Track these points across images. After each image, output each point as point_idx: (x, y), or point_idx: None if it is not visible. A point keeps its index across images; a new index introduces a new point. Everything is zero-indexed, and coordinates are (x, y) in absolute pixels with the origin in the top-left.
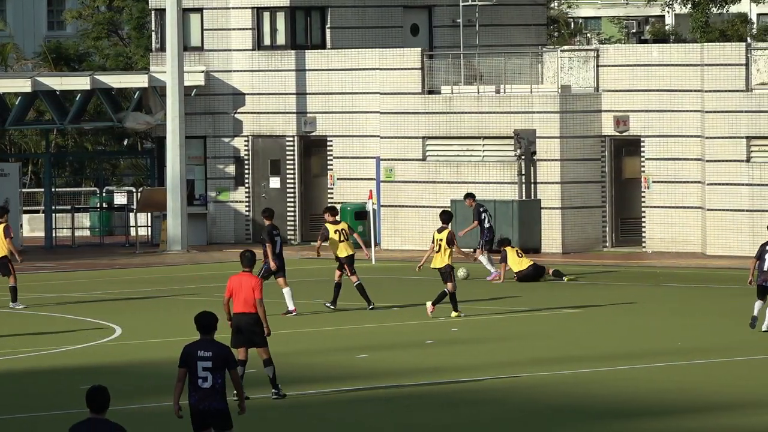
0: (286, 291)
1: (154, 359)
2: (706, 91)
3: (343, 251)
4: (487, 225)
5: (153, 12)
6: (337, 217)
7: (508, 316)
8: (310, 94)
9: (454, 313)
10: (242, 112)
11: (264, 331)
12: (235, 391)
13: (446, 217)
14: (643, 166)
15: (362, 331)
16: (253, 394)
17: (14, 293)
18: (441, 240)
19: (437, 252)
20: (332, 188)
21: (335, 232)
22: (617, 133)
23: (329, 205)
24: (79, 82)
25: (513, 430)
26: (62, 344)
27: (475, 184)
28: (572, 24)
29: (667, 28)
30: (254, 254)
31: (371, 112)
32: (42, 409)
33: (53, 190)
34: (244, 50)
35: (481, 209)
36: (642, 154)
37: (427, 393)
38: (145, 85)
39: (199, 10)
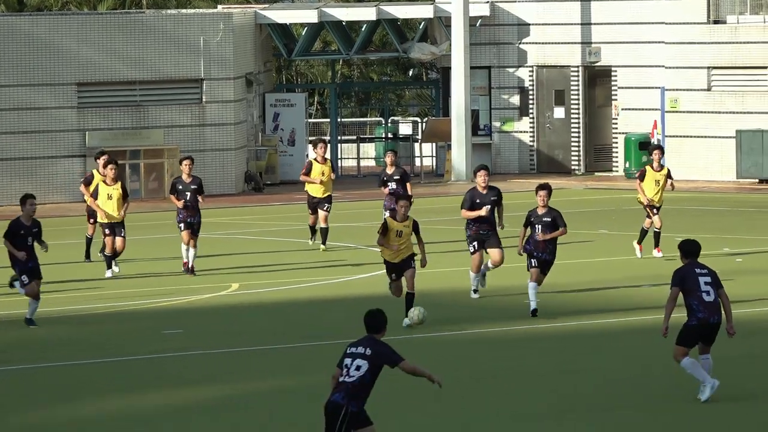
0: (184, 248)
1: (436, 289)
2: None
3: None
4: None
5: None
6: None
7: None
8: (595, 24)
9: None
10: (527, 43)
11: None
12: None
13: None
14: None
15: (648, 263)
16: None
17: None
18: None
19: None
20: (616, 119)
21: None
22: None
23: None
24: (365, 13)
25: None
26: (350, 274)
27: (760, 114)
28: None
29: None
30: None
31: (656, 42)
32: (328, 338)
33: (339, 120)
34: None
35: None
36: None
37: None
38: (431, 15)
39: None
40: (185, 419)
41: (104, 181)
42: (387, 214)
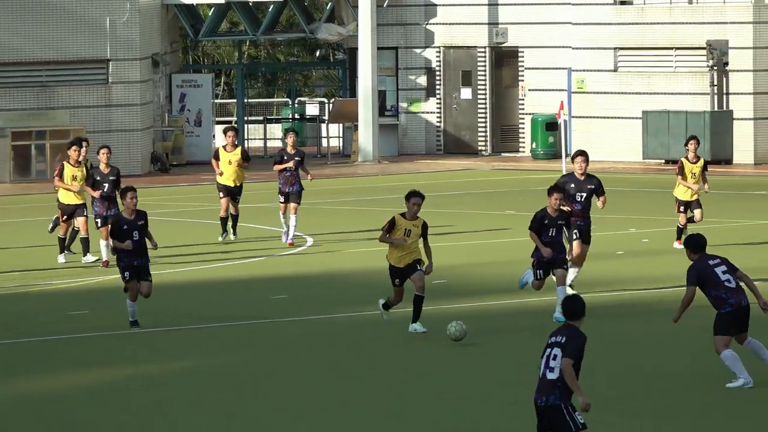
0: (103, 244)
1: (345, 270)
2: None
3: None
4: None
5: None
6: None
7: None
8: (502, 5)
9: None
10: (434, 23)
11: None
12: None
13: None
14: None
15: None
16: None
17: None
18: None
19: None
20: (523, 99)
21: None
22: None
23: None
24: None
25: (702, 340)
26: (256, 254)
27: (666, 95)
28: None
29: None
30: None
31: (563, 22)
32: (235, 318)
33: (245, 101)
34: None
35: None
36: None
37: (619, 303)
38: None
39: None
40: (95, 400)
41: (68, 162)
42: (282, 198)
